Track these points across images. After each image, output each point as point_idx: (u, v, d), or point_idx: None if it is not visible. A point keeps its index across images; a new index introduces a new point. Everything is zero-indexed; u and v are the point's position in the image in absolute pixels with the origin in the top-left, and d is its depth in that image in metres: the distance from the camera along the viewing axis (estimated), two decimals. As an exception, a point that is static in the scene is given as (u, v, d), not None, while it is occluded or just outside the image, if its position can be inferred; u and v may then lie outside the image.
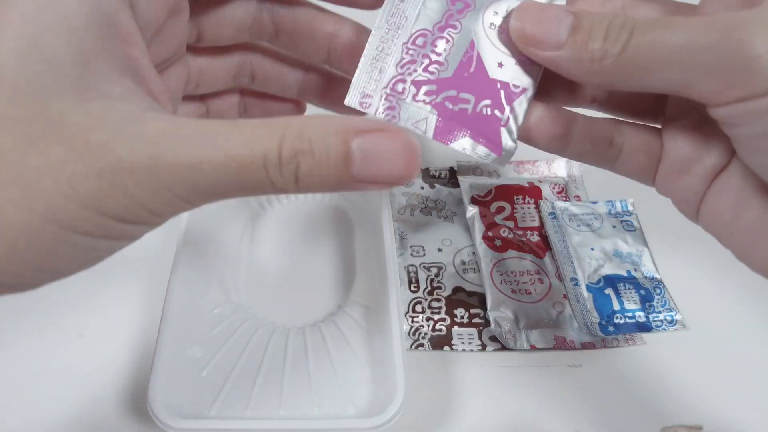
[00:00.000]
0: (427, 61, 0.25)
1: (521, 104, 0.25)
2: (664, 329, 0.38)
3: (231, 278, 0.39)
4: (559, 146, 0.26)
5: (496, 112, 0.25)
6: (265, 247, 0.42)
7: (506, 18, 0.25)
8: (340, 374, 0.33)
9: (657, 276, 0.40)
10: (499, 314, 0.38)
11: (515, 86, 0.25)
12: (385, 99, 0.25)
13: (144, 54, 0.20)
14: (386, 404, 0.29)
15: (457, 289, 0.39)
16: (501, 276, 0.39)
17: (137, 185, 0.17)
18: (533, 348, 0.37)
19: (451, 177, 0.47)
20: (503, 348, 0.37)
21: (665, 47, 0.20)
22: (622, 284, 0.39)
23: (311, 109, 0.33)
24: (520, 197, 0.44)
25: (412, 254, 0.41)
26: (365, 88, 0.25)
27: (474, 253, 0.41)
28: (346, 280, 0.39)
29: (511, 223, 0.43)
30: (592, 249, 0.41)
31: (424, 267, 0.41)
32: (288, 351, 0.34)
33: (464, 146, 0.25)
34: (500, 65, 0.25)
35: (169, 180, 0.17)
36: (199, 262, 0.36)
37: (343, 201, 0.44)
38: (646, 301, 0.39)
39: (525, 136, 0.26)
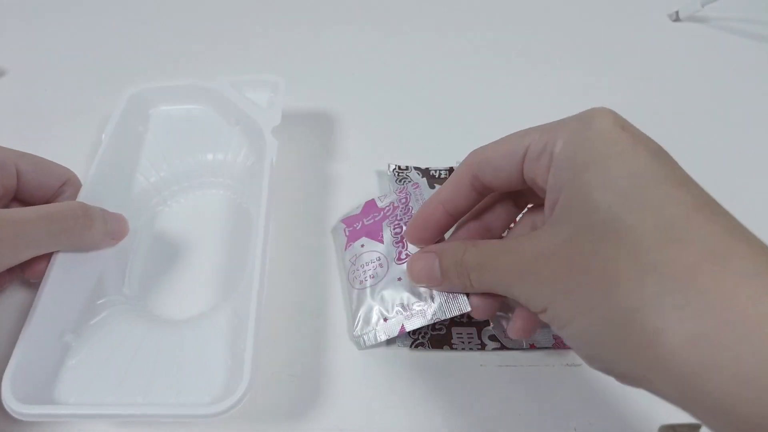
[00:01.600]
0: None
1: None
2: (664, 328, 0.38)
3: (123, 272, 0.39)
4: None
5: None
6: (163, 243, 0.42)
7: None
8: (207, 365, 0.33)
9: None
10: (499, 313, 0.38)
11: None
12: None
13: None
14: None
15: (456, 289, 0.40)
16: (500, 275, 0.40)
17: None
18: (533, 347, 0.36)
19: (451, 177, 0.47)
20: (503, 347, 0.37)
21: (488, 285, 0.29)
22: (622, 283, 0.39)
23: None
24: (520, 196, 0.45)
25: (411, 254, 0.42)
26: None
27: (473, 251, 0.42)
28: (236, 276, 0.39)
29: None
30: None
31: (423, 266, 0.41)
32: (163, 342, 0.34)
33: None
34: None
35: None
36: (84, 254, 0.37)
37: (246, 195, 0.44)
38: (646, 300, 0.39)
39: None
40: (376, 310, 0.36)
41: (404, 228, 0.39)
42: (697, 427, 0.33)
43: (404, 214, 0.40)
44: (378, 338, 0.36)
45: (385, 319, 0.36)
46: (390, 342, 0.37)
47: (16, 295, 0.39)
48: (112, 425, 0.34)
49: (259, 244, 0.35)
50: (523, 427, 0.33)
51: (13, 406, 0.29)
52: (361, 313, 0.37)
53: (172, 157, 0.45)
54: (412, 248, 0.37)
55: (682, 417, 0.34)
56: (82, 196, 0.38)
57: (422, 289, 0.35)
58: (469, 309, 0.33)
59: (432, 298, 0.34)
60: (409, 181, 0.45)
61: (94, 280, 0.37)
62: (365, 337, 0.36)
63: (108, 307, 0.36)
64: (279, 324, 0.38)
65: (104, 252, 0.38)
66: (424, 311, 0.34)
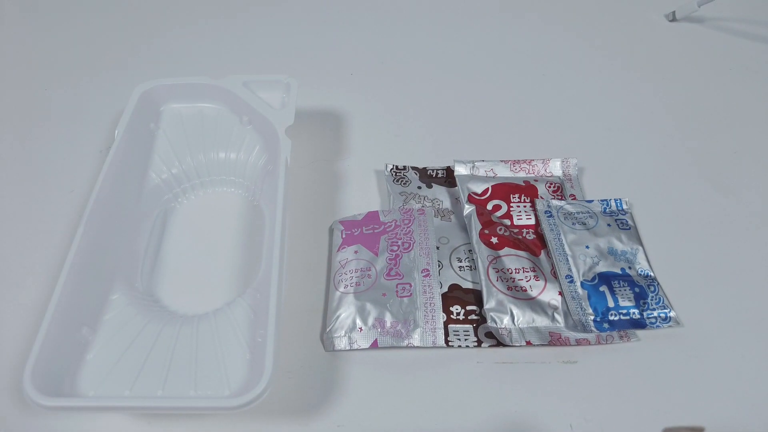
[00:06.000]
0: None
1: None
2: (658, 326, 0.38)
3: (136, 268, 0.40)
4: None
5: None
6: (175, 239, 0.43)
7: None
8: (223, 360, 0.34)
9: (651, 274, 0.41)
10: (495, 311, 0.38)
11: None
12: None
13: None
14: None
15: (453, 287, 0.40)
16: (497, 273, 0.40)
17: None
18: (529, 344, 0.37)
19: (448, 176, 0.48)
20: (499, 344, 0.37)
21: None
22: (616, 282, 0.40)
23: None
24: (516, 196, 0.45)
25: (409, 252, 0.42)
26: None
27: (470, 250, 0.42)
28: (250, 271, 0.40)
29: (507, 221, 0.44)
30: (587, 247, 0.41)
31: (421, 264, 0.42)
32: (179, 337, 0.35)
33: None
34: None
35: None
36: (98, 251, 0.37)
37: (258, 192, 0.45)
38: (640, 298, 0.39)
39: None
40: (354, 317, 0.38)
41: (401, 247, 0.41)
42: (699, 430, 0.33)
43: (404, 234, 0.42)
44: (348, 345, 0.37)
45: (360, 329, 0.37)
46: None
47: (32, 291, 0.40)
48: (132, 417, 0.35)
49: (277, 242, 0.36)
50: (519, 424, 0.34)
51: (35, 398, 0.30)
52: (338, 315, 0.38)
53: (183, 154, 0.46)
54: (403, 267, 0.40)
55: (677, 414, 0.34)
56: (96, 192, 0.39)
57: (404, 314, 0.37)
58: (443, 344, 0.36)
59: (413, 324, 0.37)
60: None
61: (107, 276, 0.38)
62: (336, 341, 0.37)
63: (122, 303, 0.37)
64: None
65: (117, 248, 0.39)
66: (400, 333, 0.37)
